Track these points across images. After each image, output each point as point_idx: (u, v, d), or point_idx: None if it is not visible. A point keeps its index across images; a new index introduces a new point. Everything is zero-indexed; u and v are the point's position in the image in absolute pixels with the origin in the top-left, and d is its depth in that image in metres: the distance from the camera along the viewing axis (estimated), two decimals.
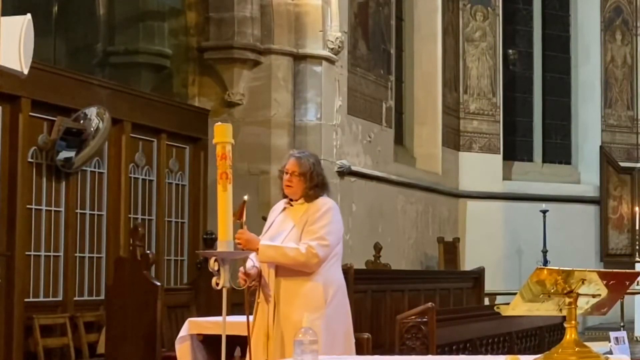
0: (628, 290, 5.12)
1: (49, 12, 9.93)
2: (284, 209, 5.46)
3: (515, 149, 17.70)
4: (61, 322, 9.14)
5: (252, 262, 5.36)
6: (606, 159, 17.56)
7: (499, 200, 16.64)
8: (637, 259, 15.69)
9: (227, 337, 5.01)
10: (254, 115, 11.42)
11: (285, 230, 5.34)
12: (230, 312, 6.02)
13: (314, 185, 5.37)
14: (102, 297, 9.56)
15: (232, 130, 4.13)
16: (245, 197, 5.16)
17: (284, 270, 5.28)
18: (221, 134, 4.08)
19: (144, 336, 7.90)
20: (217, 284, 4.84)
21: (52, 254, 9.26)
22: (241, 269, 5.35)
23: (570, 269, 3.44)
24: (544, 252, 15.59)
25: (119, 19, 11.36)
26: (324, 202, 5.39)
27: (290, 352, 4.80)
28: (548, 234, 15.63)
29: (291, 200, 5.46)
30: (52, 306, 9.21)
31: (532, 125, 17.90)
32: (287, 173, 5.38)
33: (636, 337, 14.13)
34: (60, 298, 9.32)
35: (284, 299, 5.26)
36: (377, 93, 13.67)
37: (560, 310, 3.54)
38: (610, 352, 5.61)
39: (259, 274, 5.34)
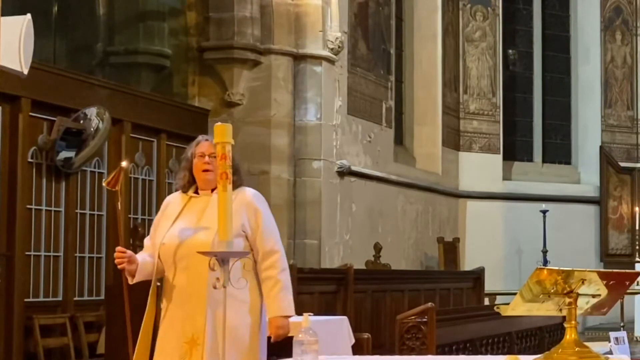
0: (628, 290, 5.12)
1: (49, 12, 9.93)
2: (190, 199, 4.80)
3: (515, 149, 17.71)
4: (61, 322, 9.14)
5: (145, 258, 4.78)
6: (606, 159, 17.57)
7: (499, 200, 16.65)
8: (637, 259, 15.71)
9: None
10: (254, 115, 11.42)
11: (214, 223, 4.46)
12: None
13: (234, 169, 4.54)
14: (102, 297, 9.56)
15: (232, 130, 4.11)
16: (124, 164, 4.76)
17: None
18: (221, 134, 4.05)
19: None
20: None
21: (52, 254, 9.25)
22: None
23: (570, 269, 3.43)
24: (544, 252, 15.59)
25: (119, 19, 11.36)
26: (255, 193, 4.80)
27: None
28: (548, 234, 15.63)
29: (196, 191, 4.81)
30: (52, 306, 9.20)
31: (532, 125, 17.91)
32: (203, 156, 4.75)
33: (636, 337, 14.13)
34: (60, 298, 9.31)
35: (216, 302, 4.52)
36: (377, 93, 13.67)
37: (560, 310, 3.53)
38: (610, 352, 5.61)
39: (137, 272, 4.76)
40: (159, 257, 4.74)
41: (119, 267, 4.76)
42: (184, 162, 4.87)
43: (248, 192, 4.77)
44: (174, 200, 4.87)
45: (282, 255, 4.74)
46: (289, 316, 4.69)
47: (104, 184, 4.79)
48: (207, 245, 4.44)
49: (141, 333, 4.80)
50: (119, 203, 4.97)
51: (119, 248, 4.80)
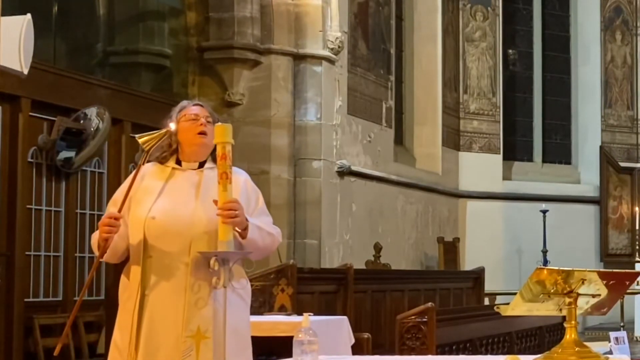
0: (628, 290, 5.12)
1: (49, 12, 9.92)
2: (172, 171, 4.22)
3: (515, 149, 17.71)
4: (61, 322, 9.13)
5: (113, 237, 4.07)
6: (606, 159, 17.57)
7: (499, 200, 16.65)
8: (637, 259, 15.72)
9: None
10: (254, 115, 11.42)
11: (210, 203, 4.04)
12: None
13: None
14: (102, 297, 9.56)
15: (232, 130, 4.09)
16: (172, 127, 4.15)
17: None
18: (221, 134, 4.04)
19: None
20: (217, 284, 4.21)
21: (52, 254, 9.25)
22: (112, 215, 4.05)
23: (570, 269, 3.44)
24: (544, 252, 15.60)
25: (119, 19, 11.35)
26: (248, 175, 4.31)
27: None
28: (548, 234, 15.64)
29: (179, 162, 4.24)
30: (52, 306, 9.20)
31: (532, 125, 17.92)
32: (197, 118, 4.20)
33: (636, 337, 14.14)
34: (60, 298, 9.31)
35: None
36: (377, 93, 13.67)
37: (560, 310, 3.53)
38: (610, 352, 5.61)
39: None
40: (143, 234, 4.08)
41: (104, 235, 4.00)
42: (176, 128, 4.25)
43: (242, 173, 4.29)
44: (149, 172, 4.22)
45: (278, 233, 4.28)
46: (248, 225, 4.04)
47: (137, 138, 4.10)
48: (215, 224, 3.99)
49: (128, 329, 4.11)
50: (142, 163, 4.16)
51: (113, 213, 4.05)
